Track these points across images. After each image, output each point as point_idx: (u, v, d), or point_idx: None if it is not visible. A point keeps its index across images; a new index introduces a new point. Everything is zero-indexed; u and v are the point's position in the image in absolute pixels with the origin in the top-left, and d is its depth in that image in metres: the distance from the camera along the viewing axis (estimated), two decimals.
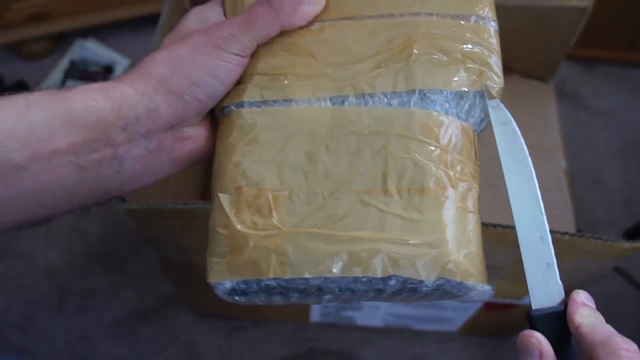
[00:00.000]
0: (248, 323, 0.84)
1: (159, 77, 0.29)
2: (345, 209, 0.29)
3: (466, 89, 0.31)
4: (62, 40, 1.08)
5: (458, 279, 0.28)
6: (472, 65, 0.31)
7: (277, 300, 0.30)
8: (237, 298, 0.30)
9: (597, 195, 0.94)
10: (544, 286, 0.29)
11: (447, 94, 0.30)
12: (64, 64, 1.05)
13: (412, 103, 0.30)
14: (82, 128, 0.27)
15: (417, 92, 0.30)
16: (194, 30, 0.32)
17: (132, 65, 1.05)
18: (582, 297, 0.28)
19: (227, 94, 0.31)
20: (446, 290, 0.29)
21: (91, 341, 0.83)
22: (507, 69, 0.75)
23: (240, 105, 0.31)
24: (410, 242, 0.28)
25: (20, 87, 0.99)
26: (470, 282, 0.29)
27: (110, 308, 0.85)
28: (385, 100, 0.30)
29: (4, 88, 0.99)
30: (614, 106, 1.04)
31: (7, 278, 0.87)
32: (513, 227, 0.49)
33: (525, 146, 0.31)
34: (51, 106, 0.27)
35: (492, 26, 0.33)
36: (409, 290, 0.29)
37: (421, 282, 0.28)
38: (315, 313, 0.79)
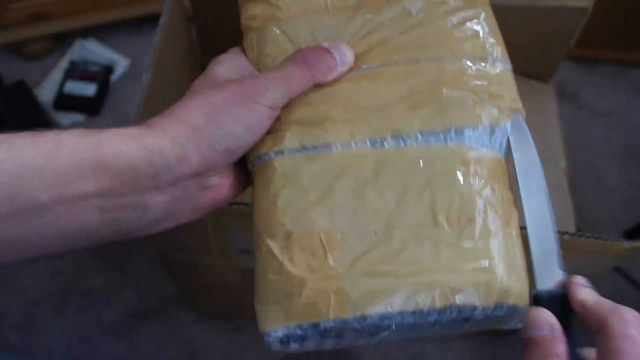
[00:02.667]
0: (248, 323, 0.84)
1: (192, 125, 0.29)
2: (399, 245, 0.30)
3: (497, 123, 0.33)
4: (62, 40, 1.08)
5: (512, 303, 0.30)
6: (498, 102, 0.33)
7: (329, 344, 0.31)
8: (291, 345, 0.30)
9: (597, 195, 0.94)
10: (548, 271, 0.31)
11: (480, 129, 0.32)
12: (64, 64, 1.05)
13: (449, 139, 0.32)
14: (112, 173, 0.27)
15: (452, 130, 0.32)
16: (225, 79, 0.33)
17: (132, 66, 1.06)
18: (581, 280, 0.30)
19: (264, 142, 0.32)
20: (498, 315, 0.30)
21: (91, 341, 0.83)
22: None
23: (280, 152, 0.32)
24: (466, 269, 0.29)
25: (20, 87, 0.99)
26: (521, 304, 0.31)
27: (110, 308, 0.85)
28: (422, 139, 0.32)
29: (4, 88, 0.99)
30: (614, 106, 1.04)
31: (7, 278, 0.87)
32: None
33: (534, 147, 0.34)
34: (82, 148, 0.27)
35: (508, 67, 0.35)
36: (463, 319, 0.30)
37: (475, 308, 0.29)
38: None
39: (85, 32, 1.08)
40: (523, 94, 0.73)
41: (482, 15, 0.36)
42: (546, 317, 0.28)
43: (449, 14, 0.35)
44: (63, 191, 0.26)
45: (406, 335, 0.31)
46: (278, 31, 0.35)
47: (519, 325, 0.31)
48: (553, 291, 0.30)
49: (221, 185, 0.32)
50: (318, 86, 0.33)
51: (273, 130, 0.32)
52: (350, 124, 0.32)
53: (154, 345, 0.83)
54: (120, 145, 0.27)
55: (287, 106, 0.32)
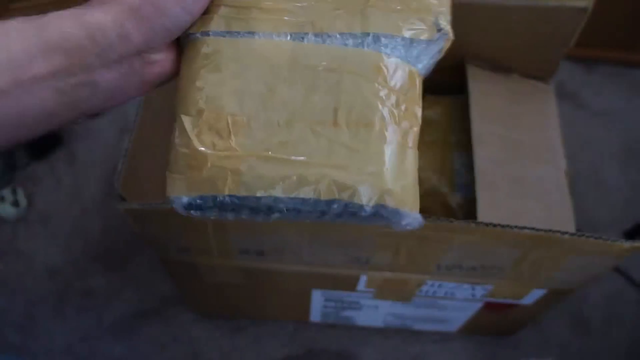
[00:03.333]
0: (248, 323, 0.84)
1: (130, 5, 0.30)
2: (297, 137, 0.32)
3: (416, 37, 0.34)
4: None
5: (393, 206, 0.31)
6: (424, 16, 0.34)
7: (229, 216, 0.33)
8: (192, 212, 0.33)
9: (597, 195, 0.94)
10: None
11: (398, 39, 0.33)
12: None
13: (365, 45, 0.33)
14: (60, 54, 0.29)
15: (370, 35, 0.33)
16: None
17: None
18: None
19: (194, 23, 0.33)
20: (382, 215, 0.32)
21: (91, 341, 0.83)
22: (507, 69, 0.75)
23: (206, 34, 0.33)
24: (354, 170, 0.31)
25: None
26: (404, 209, 0.32)
27: (110, 308, 0.85)
28: (342, 40, 0.33)
29: None
30: (614, 106, 1.04)
31: (7, 278, 0.87)
32: (513, 227, 0.49)
33: None
34: (29, 33, 0.29)
35: None
36: (349, 214, 0.32)
37: (361, 206, 0.31)
38: (315, 313, 0.79)
39: None
40: (523, 94, 0.73)
41: None
42: None
43: None
44: (18, 75, 0.28)
45: (298, 219, 0.33)
46: None
47: (407, 228, 0.33)
48: None
49: (165, 60, 0.34)
50: None
51: (206, 12, 0.34)
52: (276, 15, 0.33)
53: (154, 345, 0.83)
54: (64, 27, 0.29)
55: None
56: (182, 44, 0.35)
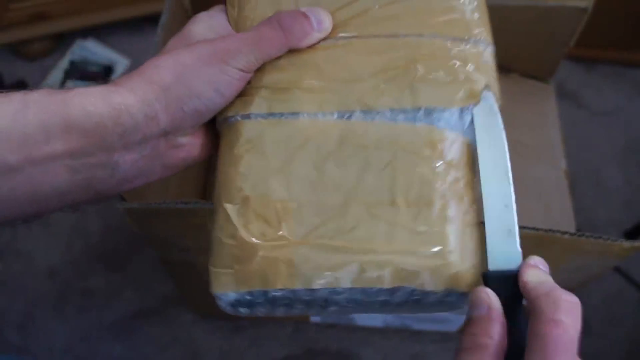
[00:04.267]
0: (248, 323, 0.84)
1: (161, 85, 0.28)
2: (353, 221, 0.29)
3: (468, 105, 0.32)
4: (62, 40, 1.08)
5: (464, 290, 0.29)
6: (473, 86, 0.32)
7: (280, 311, 0.31)
8: (240, 310, 0.31)
9: (597, 195, 0.94)
10: (503, 250, 0.29)
11: (451, 111, 0.31)
12: (64, 64, 1.05)
13: (417, 119, 0.31)
14: (79, 133, 0.27)
15: (422, 109, 0.31)
16: (199, 38, 0.32)
17: (132, 66, 1.06)
18: (535, 260, 0.29)
19: (233, 105, 0.32)
20: (450, 301, 0.30)
21: (91, 341, 0.83)
22: (507, 69, 0.75)
23: (247, 116, 0.31)
24: (418, 253, 0.29)
25: (21, 87, 0.99)
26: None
27: (110, 308, 0.85)
28: (391, 116, 0.31)
29: (4, 88, 0.99)
30: (614, 106, 1.04)
31: (7, 278, 0.87)
32: None
33: (501, 122, 0.33)
34: (49, 108, 0.26)
35: (489, 50, 0.34)
36: (413, 301, 0.30)
37: (427, 293, 0.29)
38: None
39: (85, 32, 1.08)
40: (523, 94, 0.73)
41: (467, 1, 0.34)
42: (485, 297, 0.27)
43: None
44: (31, 152, 0.26)
45: (356, 311, 0.31)
46: (260, 3, 0.34)
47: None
48: (503, 271, 0.29)
49: (191, 145, 0.32)
50: (293, 52, 0.32)
51: (243, 94, 0.32)
52: (320, 93, 0.31)
53: (154, 345, 0.82)
54: (87, 105, 0.27)
55: (260, 70, 0.32)
56: (219, 127, 0.33)
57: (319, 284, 0.28)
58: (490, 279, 0.29)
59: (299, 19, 0.32)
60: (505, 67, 0.71)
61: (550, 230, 0.47)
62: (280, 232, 0.29)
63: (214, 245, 0.30)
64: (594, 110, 1.03)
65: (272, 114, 0.31)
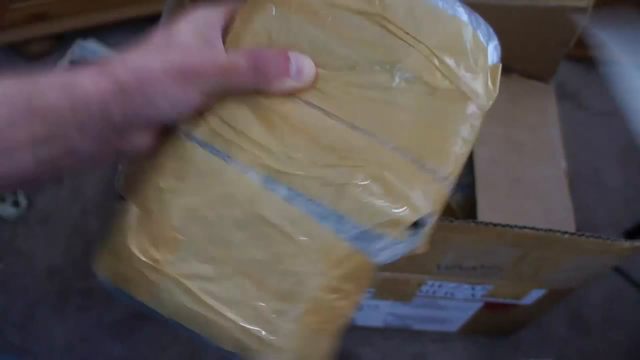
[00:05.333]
0: None
1: (121, 85, 0.29)
2: (223, 281, 0.30)
3: (384, 236, 0.31)
4: (62, 40, 1.08)
5: None
6: (406, 216, 0.31)
7: (146, 310, 0.32)
8: (116, 296, 0.32)
9: (597, 195, 0.94)
10: None
11: (363, 229, 0.31)
12: (64, 64, 1.05)
13: (328, 220, 0.30)
14: (42, 123, 0.28)
15: (336, 215, 0.30)
16: (182, 40, 0.31)
17: None
18: None
19: (185, 121, 0.32)
20: None
21: (91, 341, 0.83)
22: (507, 69, 0.75)
23: (189, 136, 0.32)
24: (260, 338, 0.30)
25: None
26: None
27: (110, 308, 0.85)
28: (310, 207, 0.30)
29: None
30: (614, 106, 1.03)
31: (7, 278, 0.87)
32: (513, 227, 0.49)
33: None
34: (15, 99, 0.28)
35: (448, 188, 0.33)
36: None
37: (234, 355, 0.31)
38: None
39: (85, 32, 1.08)
40: (523, 94, 0.73)
41: (470, 119, 0.33)
42: None
43: (428, 96, 0.32)
44: None
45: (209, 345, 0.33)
46: (262, 24, 0.32)
47: None
48: None
49: (141, 144, 0.32)
50: (263, 96, 0.31)
51: (200, 113, 0.32)
52: (261, 151, 0.31)
53: (154, 345, 0.83)
54: (49, 95, 0.28)
55: (225, 99, 0.31)
56: (169, 133, 0.33)
57: (170, 315, 0.31)
58: None
59: (277, 62, 0.31)
60: (505, 67, 0.71)
61: (550, 230, 0.47)
62: (159, 256, 0.31)
63: (112, 231, 0.33)
64: (594, 110, 1.03)
65: (210, 146, 0.31)
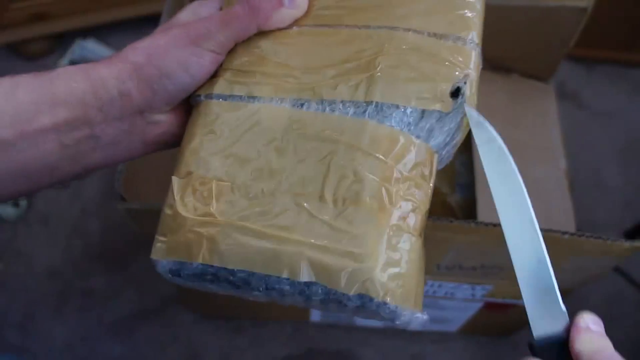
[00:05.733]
0: (248, 323, 0.84)
1: (134, 64, 0.30)
2: (279, 209, 0.29)
3: (426, 109, 0.30)
4: (62, 40, 1.08)
5: (379, 299, 0.27)
6: (441, 84, 0.30)
7: (211, 287, 0.31)
8: (175, 278, 0.31)
9: (597, 195, 0.94)
10: (545, 312, 0.27)
11: (407, 110, 0.30)
12: (64, 64, 1.05)
13: (367, 114, 0.30)
14: (64, 107, 0.29)
15: (374, 104, 0.30)
16: (182, 21, 0.33)
17: None
18: (586, 321, 0.25)
19: (202, 85, 0.33)
20: (370, 309, 0.28)
21: (91, 341, 0.83)
22: (507, 69, 0.75)
23: (209, 96, 0.33)
24: (335, 251, 0.28)
25: None
26: (393, 304, 0.28)
27: (110, 308, 0.85)
28: (343, 109, 0.31)
29: None
30: (614, 106, 1.04)
31: (7, 278, 0.87)
32: None
33: (514, 166, 0.29)
34: (36, 87, 0.29)
35: (475, 50, 0.32)
36: (334, 301, 0.28)
37: (343, 294, 0.28)
38: (316, 313, 0.79)
39: (85, 32, 1.08)
40: (523, 94, 0.73)
41: None
42: None
43: None
44: (23, 127, 0.28)
45: (283, 300, 0.30)
46: None
47: (406, 327, 0.29)
48: (550, 337, 0.26)
49: (167, 123, 0.33)
50: (265, 36, 0.33)
51: (213, 74, 0.33)
52: (278, 80, 0.32)
53: (154, 345, 0.83)
54: (70, 82, 0.29)
55: (232, 51, 0.33)
56: (192, 105, 0.34)
57: (234, 264, 0.29)
58: (536, 348, 0.26)
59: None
60: (505, 67, 0.71)
61: (550, 230, 0.47)
62: (210, 209, 0.30)
63: (161, 213, 0.32)
64: (594, 110, 1.03)
65: (231, 96, 0.32)
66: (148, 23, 1.06)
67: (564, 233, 0.47)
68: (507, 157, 0.30)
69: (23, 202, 0.92)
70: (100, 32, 1.09)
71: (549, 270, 0.27)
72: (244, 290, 0.30)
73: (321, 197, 0.29)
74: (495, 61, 0.70)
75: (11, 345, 0.82)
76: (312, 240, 0.28)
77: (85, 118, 0.30)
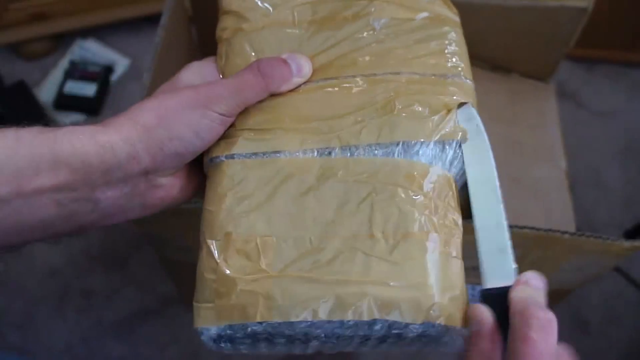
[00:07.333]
0: None
1: (144, 126, 0.30)
2: (332, 254, 0.29)
3: (448, 139, 0.32)
4: (62, 40, 1.08)
5: (443, 323, 0.29)
6: (452, 119, 0.33)
7: (263, 347, 0.31)
8: (222, 345, 0.30)
9: (597, 195, 0.94)
10: (496, 268, 0.31)
11: (430, 144, 0.32)
12: (64, 64, 1.05)
13: (396, 153, 0.32)
14: (66, 169, 0.28)
15: (400, 144, 0.32)
16: (187, 84, 0.34)
17: (132, 66, 1.06)
18: (527, 276, 0.29)
19: (218, 146, 0.33)
20: (431, 335, 0.29)
21: (91, 341, 0.83)
22: (507, 69, 0.75)
23: (231, 156, 0.32)
24: (396, 285, 0.29)
25: (20, 87, 0.99)
26: (455, 326, 0.29)
27: (110, 308, 0.85)
28: (370, 152, 0.32)
29: (4, 88, 0.99)
30: (614, 106, 1.04)
31: (7, 278, 0.87)
32: (513, 227, 0.49)
33: (487, 140, 0.33)
34: (40, 144, 0.28)
35: (469, 83, 0.35)
36: (394, 335, 0.29)
37: (406, 326, 0.28)
38: None
39: (85, 32, 1.08)
40: (523, 94, 0.73)
41: (450, 35, 0.36)
42: (477, 313, 0.28)
43: (414, 31, 0.35)
44: (21, 185, 0.27)
45: (339, 347, 0.31)
46: (245, 42, 0.36)
47: (460, 347, 0.30)
48: (498, 288, 0.30)
49: (171, 186, 0.33)
50: (274, 95, 0.34)
51: (227, 136, 0.33)
52: (301, 132, 0.32)
53: (154, 345, 0.83)
54: (75, 142, 0.29)
55: (243, 113, 0.33)
56: (206, 168, 0.34)
57: (296, 316, 0.28)
58: (484, 296, 0.30)
59: (278, 65, 0.33)
60: (505, 67, 0.71)
61: (550, 230, 0.47)
62: (260, 266, 0.29)
63: (197, 280, 0.31)
64: (594, 110, 1.03)
65: (255, 154, 0.32)
66: (148, 23, 1.06)
67: (564, 233, 0.47)
68: (483, 134, 0.33)
69: None
70: (100, 32, 1.09)
71: (505, 232, 0.31)
72: (300, 343, 0.30)
73: (371, 236, 0.30)
74: (495, 61, 0.70)
75: (11, 345, 0.82)
76: (372, 279, 0.29)
77: (87, 180, 0.29)
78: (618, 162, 0.97)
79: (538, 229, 0.47)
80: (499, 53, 0.69)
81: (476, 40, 0.69)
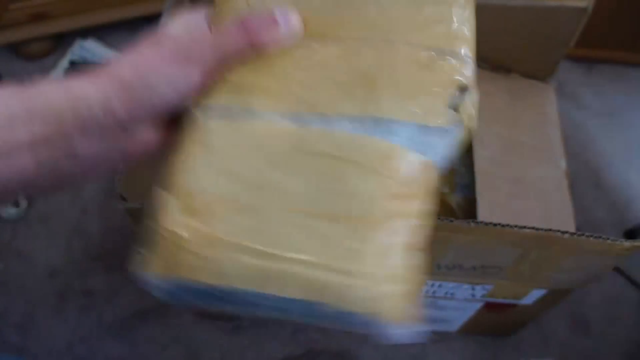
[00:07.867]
0: (248, 323, 0.84)
1: (120, 80, 0.29)
2: (286, 229, 0.29)
3: (430, 125, 0.30)
4: (62, 40, 1.08)
5: (381, 317, 0.28)
6: (440, 100, 0.30)
7: (210, 306, 0.31)
8: (169, 298, 0.31)
9: (597, 195, 0.94)
10: None
11: (410, 126, 0.30)
12: (64, 64, 1.05)
13: (373, 131, 0.30)
14: (41, 122, 0.28)
15: (373, 119, 0.30)
16: (172, 35, 0.32)
17: None
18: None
19: (194, 99, 0.32)
20: (376, 325, 0.28)
21: (91, 341, 0.83)
22: (507, 69, 0.75)
23: (204, 110, 0.31)
24: (332, 268, 0.28)
25: None
26: (393, 320, 0.28)
27: (110, 308, 0.85)
28: (347, 126, 0.30)
29: None
30: (614, 106, 1.04)
31: (7, 278, 0.87)
32: (513, 227, 0.49)
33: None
34: (14, 100, 0.28)
35: (470, 64, 0.32)
36: (333, 316, 0.28)
37: (350, 314, 0.28)
38: None
39: (85, 32, 1.08)
40: (523, 94, 0.73)
41: (457, 9, 0.32)
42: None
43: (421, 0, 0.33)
44: None
45: (285, 317, 0.30)
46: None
47: (405, 341, 0.29)
48: None
49: (149, 138, 0.32)
50: (261, 54, 0.32)
51: (206, 89, 0.32)
52: (280, 95, 0.31)
53: (154, 345, 0.82)
54: (49, 96, 0.28)
55: (226, 68, 0.32)
56: (180, 119, 0.33)
57: (243, 286, 0.28)
58: None
59: (267, 23, 0.32)
60: (505, 67, 0.71)
61: (550, 230, 0.47)
62: (213, 229, 0.29)
63: (149, 230, 0.30)
64: (594, 110, 1.03)
65: (228, 110, 0.31)
66: (148, 23, 1.06)
67: (564, 233, 0.47)
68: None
69: (23, 202, 0.92)
70: (100, 32, 1.09)
71: None
72: (247, 309, 0.30)
73: (332, 217, 0.29)
74: (495, 61, 0.70)
75: (11, 345, 0.82)
76: (325, 261, 0.28)
77: (63, 136, 0.29)
78: (618, 162, 0.97)
79: (538, 229, 0.47)
80: (499, 53, 0.69)
81: (476, 40, 0.69)
